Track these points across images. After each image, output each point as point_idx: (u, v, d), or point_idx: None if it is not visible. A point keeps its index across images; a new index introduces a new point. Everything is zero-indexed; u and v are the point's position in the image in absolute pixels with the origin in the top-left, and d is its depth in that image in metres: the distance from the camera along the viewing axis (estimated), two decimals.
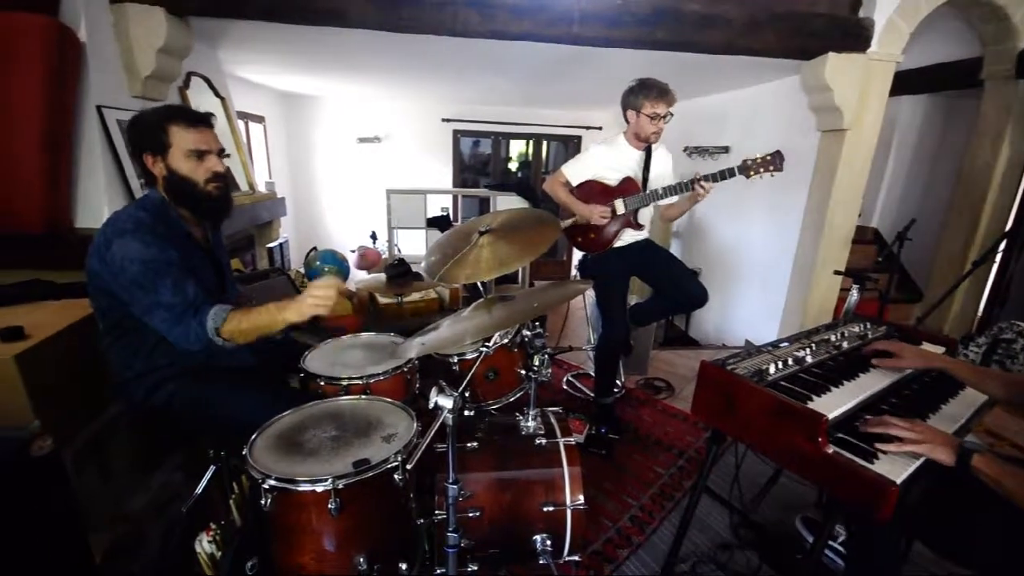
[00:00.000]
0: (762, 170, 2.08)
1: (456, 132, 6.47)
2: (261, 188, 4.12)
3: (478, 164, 7.03)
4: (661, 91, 2.06)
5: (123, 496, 1.70)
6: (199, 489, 1.41)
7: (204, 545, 1.13)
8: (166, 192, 1.38)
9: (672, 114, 2.12)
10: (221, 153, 1.42)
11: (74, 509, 1.23)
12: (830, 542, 1.63)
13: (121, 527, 1.58)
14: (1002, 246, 3.07)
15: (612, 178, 2.23)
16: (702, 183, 2.05)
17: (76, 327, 1.61)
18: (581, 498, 1.43)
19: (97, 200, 2.23)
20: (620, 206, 2.21)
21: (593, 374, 3.00)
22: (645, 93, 2.07)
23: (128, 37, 2.31)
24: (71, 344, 1.58)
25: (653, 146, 2.23)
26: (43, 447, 1.13)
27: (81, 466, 1.55)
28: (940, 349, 1.56)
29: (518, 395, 1.86)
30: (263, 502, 1.09)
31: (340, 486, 1.07)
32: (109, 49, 2.30)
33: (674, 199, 2.20)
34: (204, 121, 1.39)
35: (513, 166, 7.05)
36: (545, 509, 1.42)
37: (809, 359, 1.38)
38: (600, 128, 6.45)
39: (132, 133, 1.37)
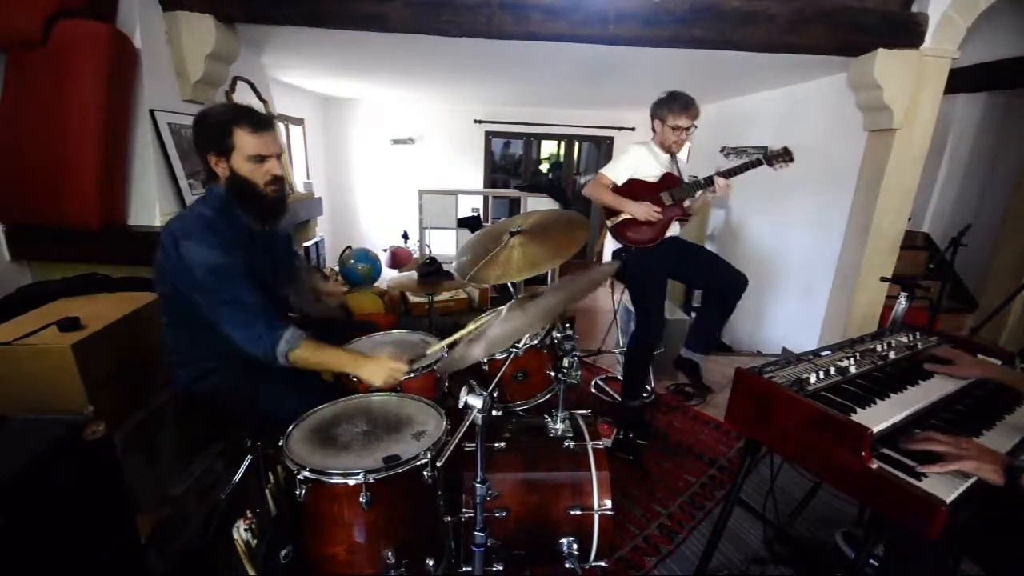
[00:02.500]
0: (779, 161, 2.21)
1: (488, 133, 6.51)
2: (299, 188, 4.25)
3: (509, 165, 7.05)
4: (685, 105, 2.16)
5: (167, 480, 1.79)
6: (237, 477, 1.46)
7: (241, 532, 1.17)
8: (229, 191, 1.43)
9: (695, 126, 2.22)
10: (279, 156, 1.48)
11: (123, 490, 1.30)
12: (871, 560, 1.56)
13: (165, 509, 1.66)
14: None
15: (653, 174, 2.29)
16: (717, 180, 2.17)
17: (129, 319, 1.70)
18: (609, 503, 1.42)
19: (149, 198, 2.35)
20: (667, 198, 2.27)
21: (622, 378, 2.97)
22: (669, 106, 2.18)
23: (180, 44, 2.42)
24: (124, 335, 1.66)
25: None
26: (97, 432, 1.20)
27: (129, 450, 1.64)
28: (996, 362, 1.47)
29: (547, 397, 1.85)
30: (298, 492, 1.12)
31: (371, 480, 1.09)
32: (162, 55, 2.42)
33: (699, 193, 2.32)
34: (269, 125, 1.43)
35: (544, 167, 7.04)
36: (572, 512, 1.41)
37: (853, 369, 1.32)
38: (633, 129, 6.37)
39: (198, 131, 1.41)
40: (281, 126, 4.78)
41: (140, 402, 1.75)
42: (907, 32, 2.59)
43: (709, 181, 2.19)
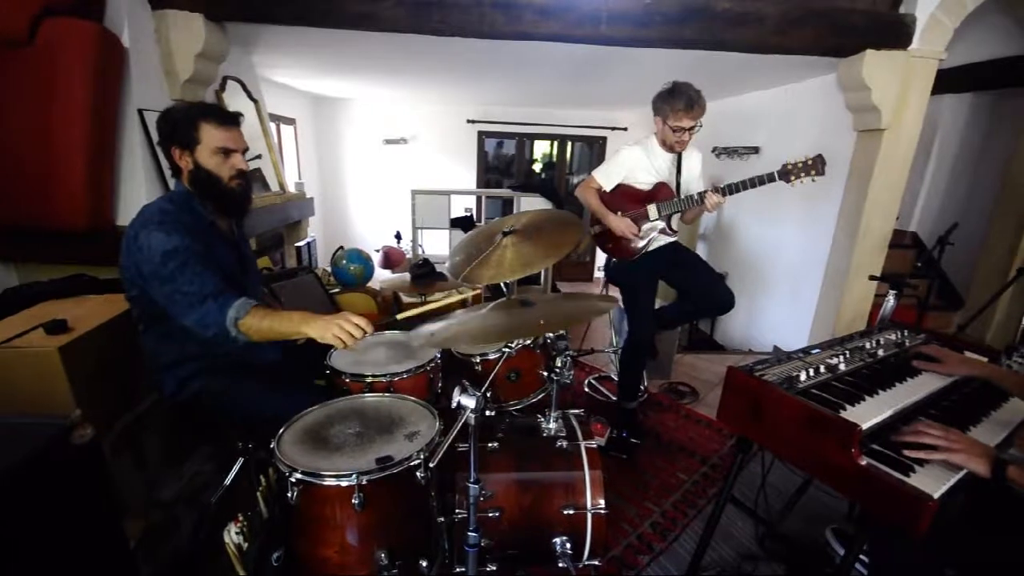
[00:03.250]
0: (803, 175, 2.01)
1: (481, 133, 6.50)
2: (291, 188, 4.22)
3: (502, 165, 7.05)
4: (689, 102, 1.97)
5: (156, 484, 1.77)
6: (228, 480, 1.45)
7: (232, 536, 1.16)
8: (191, 185, 1.44)
9: (700, 125, 2.05)
10: (245, 152, 1.48)
11: (111, 495, 1.28)
12: (861, 556, 1.57)
13: (155, 513, 1.64)
14: None
15: (646, 182, 2.19)
16: (710, 196, 2.02)
17: (117, 321, 1.68)
18: (602, 502, 1.42)
19: (137, 199, 2.32)
20: (653, 211, 2.17)
21: (615, 377, 2.98)
22: (672, 103, 2.00)
23: (168, 42, 2.40)
24: (111, 337, 1.64)
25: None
26: (84, 435, 1.18)
27: (118, 454, 1.62)
28: (982, 359, 1.49)
29: (540, 396, 1.85)
30: (290, 495, 1.11)
31: (364, 482, 1.08)
32: (150, 54, 2.39)
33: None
34: (234, 120, 1.45)
35: (537, 167, 7.04)
36: (565, 512, 1.41)
37: (842, 367, 1.34)
38: (626, 129, 6.39)
39: (163, 125, 1.42)
40: (273, 125, 4.75)
41: (129, 405, 1.73)
42: (895, 33, 2.62)
43: (702, 198, 2.05)
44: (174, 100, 2.53)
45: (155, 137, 2.30)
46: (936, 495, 0.94)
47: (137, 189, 2.32)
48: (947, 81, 3.28)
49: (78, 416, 1.29)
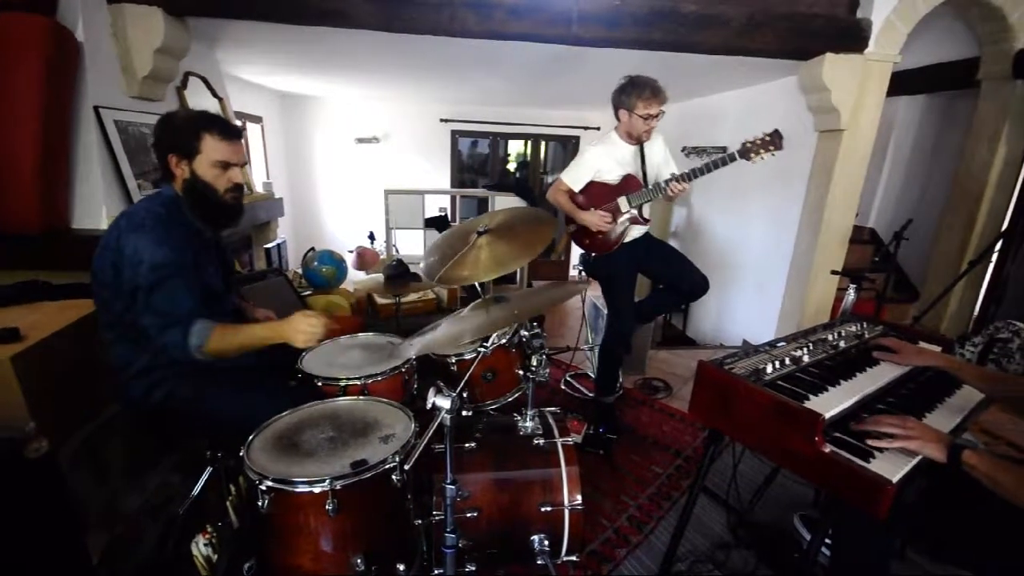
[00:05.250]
0: (762, 151, 2.07)
1: (454, 132, 6.47)
2: (259, 188, 4.12)
3: (476, 164, 7.04)
4: (654, 90, 2.04)
5: (120, 497, 1.70)
6: (195, 490, 1.40)
7: (200, 547, 1.13)
8: (184, 193, 1.40)
9: (664, 112, 2.11)
10: (243, 166, 1.46)
11: (70, 510, 1.23)
12: (827, 540, 1.64)
13: (119, 527, 1.58)
14: (998, 246, 3.08)
15: (613, 176, 2.22)
16: (672, 185, 2.09)
17: (73, 328, 1.60)
18: (579, 498, 1.43)
19: (95, 200, 2.23)
20: (624, 204, 2.21)
21: (591, 374, 3.01)
22: (638, 92, 2.05)
23: (126, 37, 2.31)
24: (68, 345, 1.57)
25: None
26: (39, 448, 1.13)
27: (77, 467, 1.55)
28: (937, 348, 1.56)
29: (516, 395, 1.86)
30: (260, 503, 1.09)
31: (338, 487, 1.07)
32: (106, 50, 2.30)
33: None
34: (237, 134, 1.44)
35: (511, 166, 7.05)
36: (543, 509, 1.42)
37: (806, 359, 1.38)
38: (598, 128, 6.46)
39: (163, 131, 1.39)
40: (238, 124, 4.62)
41: (88, 415, 1.66)
42: (852, 37, 2.72)
43: (666, 185, 2.12)
44: (132, 97, 2.44)
45: (115, 139, 2.25)
46: (895, 479, 0.98)
47: (94, 190, 2.22)
48: (901, 83, 3.43)
49: (32, 429, 1.23)
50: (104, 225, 2.21)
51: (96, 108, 2.20)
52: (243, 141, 1.47)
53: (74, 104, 2.15)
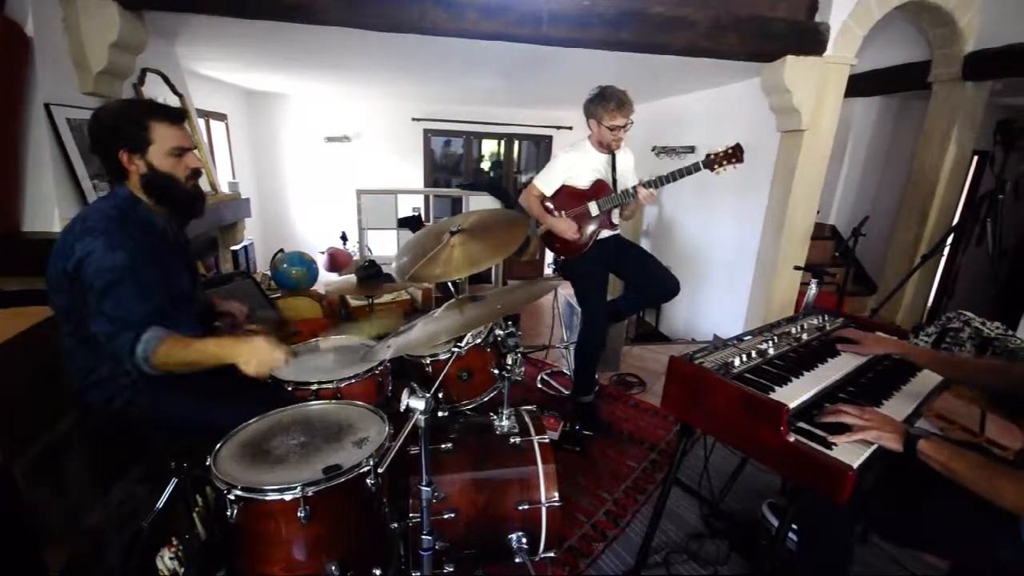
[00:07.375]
0: (725, 163, 2.16)
1: (427, 131, 6.42)
2: (224, 188, 4.00)
3: (450, 163, 6.99)
4: (619, 103, 2.11)
5: (81, 510, 1.62)
6: (160, 503, 1.36)
7: (166, 561, 1.09)
8: (143, 189, 1.33)
9: (632, 123, 2.19)
10: (195, 149, 1.41)
11: (26, 524, 1.17)
12: (794, 526, 1.69)
13: (80, 541, 1.51)
14: (949, 240, 3.24)
15: (584, 182, 2.28)
16: (640, 190, 2.17)
17: (26, 335, 1.52)
18: (556, 495, 1.44)
19: (47, 202, 2.12)
20: (594, 208, 2.27)
21: (567, 372, 3.03)
22: (604, 105, 2.12)
23: (79, 32, 2.20)
24: (21, 353, 1.49)
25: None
26: None
27: (35, 479, 1.47)
28: (893, 338, 1.63)
29: (492, 395, 1.86)
30: (229, 513, 1.06)
31: (310, 493, 1.05)
32: (58, 44, 2.19)
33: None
34: (183, 117, 1.37)
35: (485, 165, 7.04)
36: (520, 508, 1.42)
37: (771, 351, 1.43)
38: (571, 128, 6.51)
39: (105, 129, 1.29)
40: (201, 121, 4.47)
41: (47, 425, 1.58)
42: (812, 40, 2.82)
43: (636, 191, 2.19)
44: (86, 93, 2.33)
45: (67, 138, 2.15)
46: (855, 465, 1.03)
47: (46, 191, 2.12)
48: (858, 85, 3.57)
49: None
50: (57, 228, 2.11)
51: (47, 105, 2.09)
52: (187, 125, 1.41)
53: (23, 101, 2.04)
